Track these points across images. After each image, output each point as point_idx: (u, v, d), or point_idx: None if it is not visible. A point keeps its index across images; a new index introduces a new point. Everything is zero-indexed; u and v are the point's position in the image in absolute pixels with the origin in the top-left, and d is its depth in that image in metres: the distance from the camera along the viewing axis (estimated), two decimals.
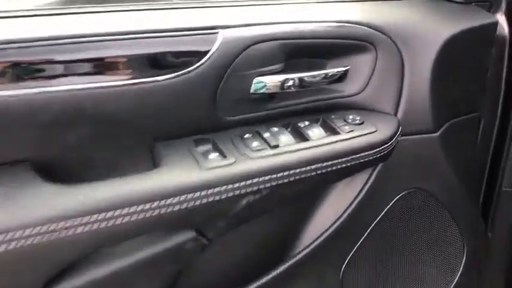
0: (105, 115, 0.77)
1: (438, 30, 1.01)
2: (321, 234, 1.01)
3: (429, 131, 1.04)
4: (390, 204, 1.07)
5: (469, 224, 1.19)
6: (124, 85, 0.77)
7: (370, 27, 0.96)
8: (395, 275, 1.15)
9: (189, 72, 0.81)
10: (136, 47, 0.78)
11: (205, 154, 0.83)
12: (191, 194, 0.77)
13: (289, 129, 0.93)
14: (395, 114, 1.01)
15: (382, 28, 0.97)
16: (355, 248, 1.06)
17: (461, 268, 1.22)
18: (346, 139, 0.90)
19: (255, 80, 0.88)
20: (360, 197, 1.02)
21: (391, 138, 0.94)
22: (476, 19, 1.07)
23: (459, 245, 1.20)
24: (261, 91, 0.90)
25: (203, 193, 0.78)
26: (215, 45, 0.82)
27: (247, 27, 0.86)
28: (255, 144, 0.85)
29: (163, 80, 0.79)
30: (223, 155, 0.83)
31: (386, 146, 0.94)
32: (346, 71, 0.96)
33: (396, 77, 1.00)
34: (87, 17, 0.82)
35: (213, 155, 0.83)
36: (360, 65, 0.99)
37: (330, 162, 0.88)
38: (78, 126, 0.76)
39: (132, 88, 0.78)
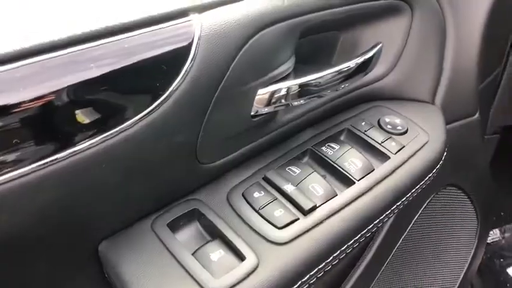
0: None
1: None
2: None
3: (470, 113, 0.76)
4: (423, 206, 0.80)
5: (487, 211, 0.98)
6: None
7: None
8: (419, 259, 0.94)
9: (144, 116, 0.41)
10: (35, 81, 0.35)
11: (202, 254, 0.45)
12: None
13: (310, 162, 0.58)
14: (433, 99, 0.70)
15: None
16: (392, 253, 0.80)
17: (474, 246, 1.04)
18: (399, 165, 0.58)
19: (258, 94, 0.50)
20: None
21: (445, 144, 0.64)
22: None
23: (474, 226, 1.01)
24: (264, 111, 0.52)
25: None
26: (192, 47, 0.42)
27: (238, 4, 0.46)
28: (278, 212, 0.49)
29: (98, 143, 0.39)
30: (233, 250, 0.46)
31: (443, 157, 0.63)
32: (374, 55, 0.60)
33: (436, 47, 0.67)
34: None
35: (217, 254, 0.45)
36: (389, 35, 0.64)
37: (388, 211, 0.56)
38: None
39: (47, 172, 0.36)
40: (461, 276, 1.02)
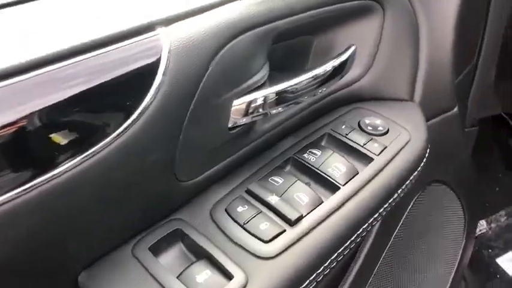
0: None
1: None
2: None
3: (448, 108, 0.76)
4: (410, 205, 0.79)
5: (473, 203, 0.98)
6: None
7: None
8: (411, 258, 0.92)
9: (117, 136, 0.39)
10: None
11: (187, 276, 0.43)
12: None
13: (293, 170, 0.56)
14: (412, 96, 0.70)
15: None
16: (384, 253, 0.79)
17: (463, 239, 1.04)
18: (384, 166, 0.57)
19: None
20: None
21: (427, 141, 0.63)
22: None
23: (461, 220, 1.01)
24: (242, 122, 0.50)
25: None
26: (162, 62, 0.40)
27: (206, 14, 0.44)
28: (264, 225, 0.48)
29: (70, 168, 0.37)
30: (220, 270, 0.44)
31: (427, 154, 0.63)
32: (349, 57, 0.59)
33: (410, 44, 0.67)
34: None
35: (203, 275, 0.43)
36: (362, 36, 0.63)
37: (376, 214, 0.55)
38: None
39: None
40: (454, 270, 1.01)
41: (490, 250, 1.42)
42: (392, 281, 0.83)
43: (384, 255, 0.77)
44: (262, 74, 0.51)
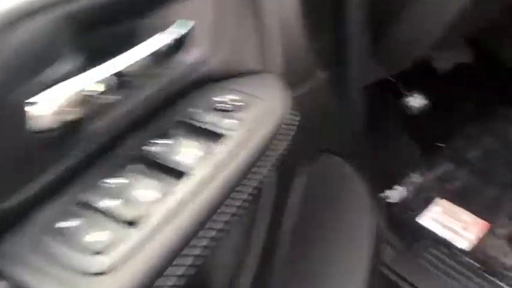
0: None
1: None
2: None
3: (314, 73, 0.73)
4: (298, 179, 0.74)
5: (371, 171, 0.96)
6: None
7: None
8: (318, 240, 0.87)
9: None
10: None
11: None
12: None
13: (137, 167, 0.49)
14: (267, 66, 0.65)
15: None
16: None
17: (369, 208, 1.01)
18: (242, 142, 0.52)
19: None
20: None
21: (286, 108, 0.59)
22: None
23: (364, 190, 0.98)
24: (57, 120, 0.43)
25: None
26: None
27: None
28: (96, 236, 0.40)
29: None
30: None
31: (293, 123, 0.59)
32: (184, 32, 0.54)
33: (252, 12, 0.63)
34: None
35: None
36: (199, 13, 0.58)
37: (241, 194, 0.49)
38: None
39: None
40: (372, 241, 0.99)
41: (411, 212, 1.43)
42: (298, 274, 0.77)
43: (282, 241, 0.72)
44: (72, 64, 0.44)
